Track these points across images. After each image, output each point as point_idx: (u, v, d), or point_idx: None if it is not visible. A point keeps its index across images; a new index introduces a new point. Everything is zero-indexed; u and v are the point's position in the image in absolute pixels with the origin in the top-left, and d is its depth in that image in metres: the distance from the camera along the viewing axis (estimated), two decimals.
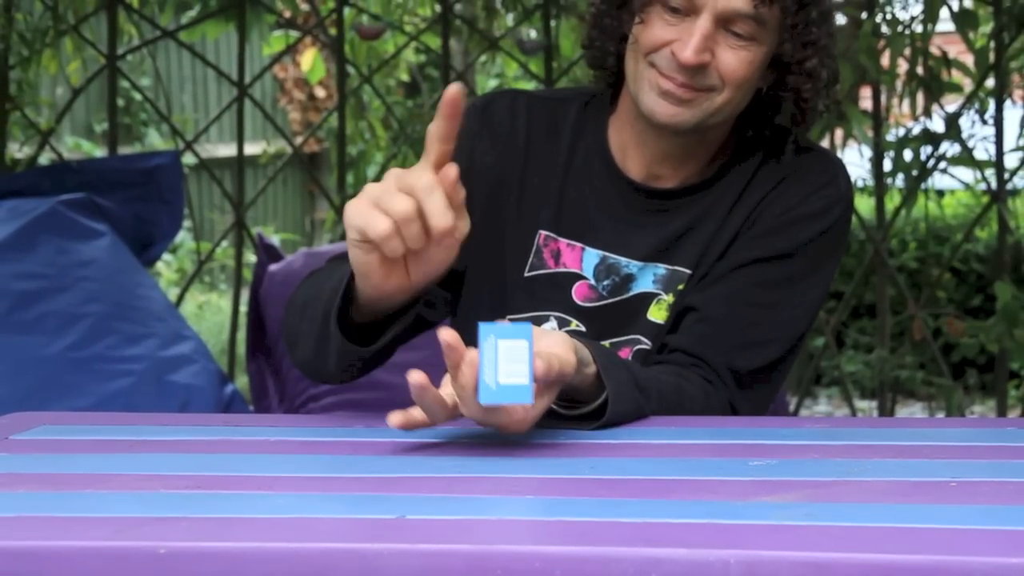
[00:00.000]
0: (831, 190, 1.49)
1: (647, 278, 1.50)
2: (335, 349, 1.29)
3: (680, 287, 1.49)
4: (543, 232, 1.51)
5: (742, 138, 1.53)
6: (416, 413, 1.15)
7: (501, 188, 1.52)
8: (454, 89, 1.18)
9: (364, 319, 1.30)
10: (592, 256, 1.50)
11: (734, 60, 1.40)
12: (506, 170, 1.52)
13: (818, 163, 1.51)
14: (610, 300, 1.50)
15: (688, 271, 1.49)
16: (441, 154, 1.18)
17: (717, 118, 1.44)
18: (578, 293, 1.50)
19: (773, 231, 1.48)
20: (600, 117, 1.55)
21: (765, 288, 1.47)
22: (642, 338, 1.49)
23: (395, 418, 1.15)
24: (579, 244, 1.51)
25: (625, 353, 1.49)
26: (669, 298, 1.49)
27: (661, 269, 1.50)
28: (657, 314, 1.49)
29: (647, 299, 1.50)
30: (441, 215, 1.15)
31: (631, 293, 1.50)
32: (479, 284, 1.51)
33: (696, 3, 1.39)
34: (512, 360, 1.09)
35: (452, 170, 1.17)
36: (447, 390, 1.16)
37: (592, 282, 1.50)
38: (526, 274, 1.51)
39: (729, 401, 1.44)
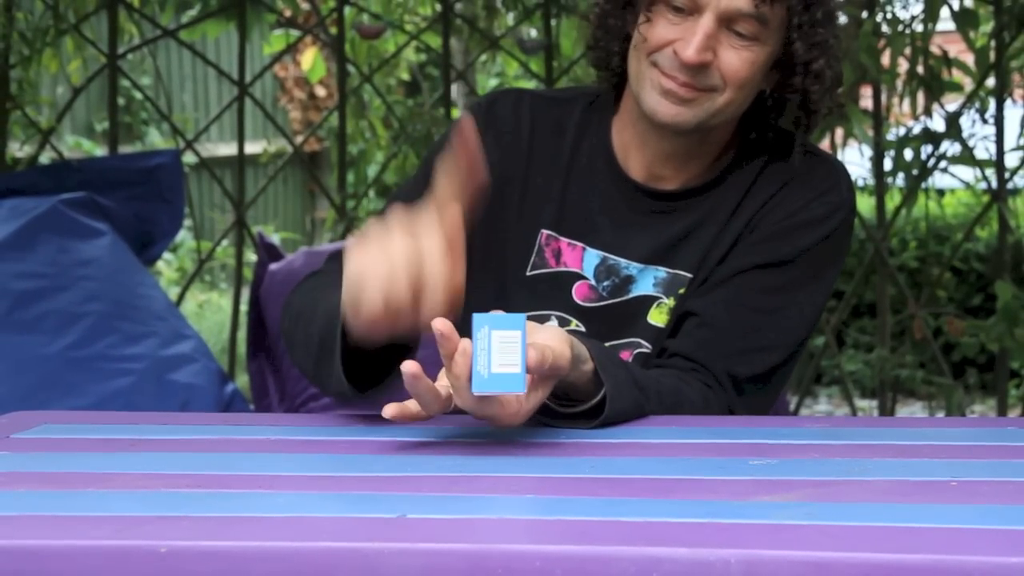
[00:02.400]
0: (833, 196, 1.49)
1: (647, 280, 1.49)
2: (336, 388, 1.29)
3: (681, 291, 1.49)
4: (545, 231, 1.51)
5: (745, 140, 1.52)
6: (411, 405, 1.16)
7: (504, 186, 1.51)
8: (465, 123, 1.22)
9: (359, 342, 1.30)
10: (593, 256, 1.50)
11: (736, 60, 1.40)
12: (509, 169, 1.52)
13: (821, 168, 1.51)
14: (610, 301, 1.50)
15: (689, 275, 1.48)
16: (450, 191, 1.20)
17: (719, 119, 1.44)
18: (578, 293, 1.50)
19: (774, 237, 1.47)
20: (604, 117, 1.54)
21: (766, 294, 1.46)
22: (642, 341, 1.49)
23: (390, 410, 1.16)
24: (580, 244, 1.51)
25: (625, 356, 1.48)
26: (670, 302, 1.49)
27: (662, 272, 1.49)
28: (658, 317, 1.49)
29: (647, 302, 1.49)
30: (433, 310, 1.16)
31: (631, 295, 1.50)
32: (480, 282, 1.51)
33: (699, 2, 1.39)
34: (505, 350, 1.10)
35: (458, 227, 1.19)
36: (442, 383, 1.16)
37: (592, 282, 1.50)
38: (528, 273, 1.51)
39: (728, 406, 1.44)
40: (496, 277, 1.51)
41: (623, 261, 1.50)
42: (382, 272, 1.16)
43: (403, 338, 1.24)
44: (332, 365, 1.26)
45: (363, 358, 1.29)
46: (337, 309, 1.24)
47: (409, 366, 1.12)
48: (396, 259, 1.17)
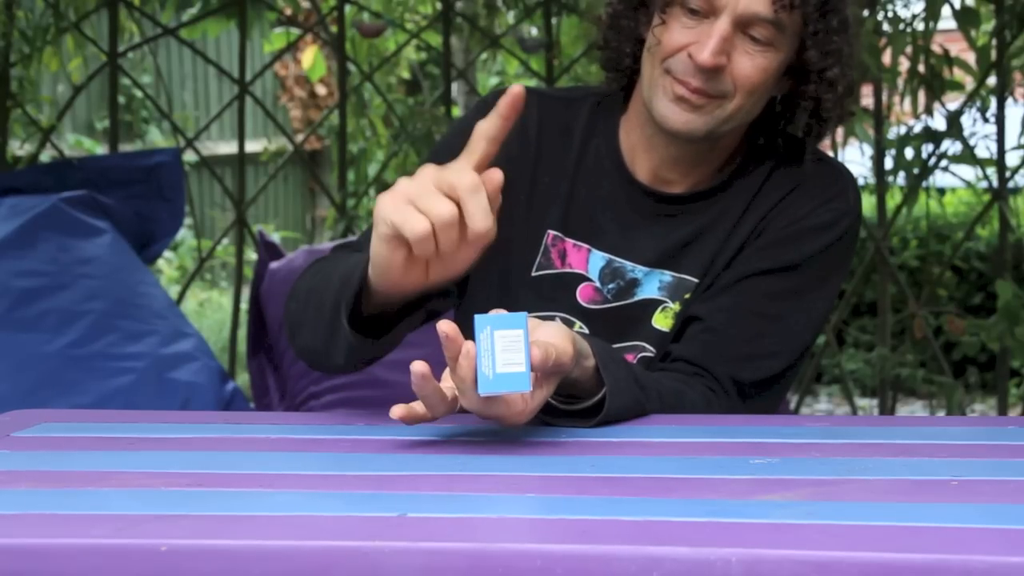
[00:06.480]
0: (840, 203, 1.48)
1: (652, 284, 1.49)
2: (344, 343, 1.28)
3: (687, 296, 1.48)
4: (551, 232, 1.51)
5: (753, 145, 1.52)
6: (417, 406, 1.16)
7: (510, 185, 1.50)
8: (518, 89, 1.17)
9: (375, 310, 1.30)
10: (598, 258, 1.50)
11: (749, 65, 1.39)
12: (516, 167, 1.51)
13: (828, 174, 1.50)
14: (614, 304, 1.49)
15: (695, 280, 1.48)
16: (485, 155, 1.18)
17: (729, 125, 1.43)
18: (583, 295, 1.50)
19: (780, 242, 1.47)
20: (612, 118, 1.54)
21: (771, 300, 1.46)
22: (646, 345, 1.49)
23: (397, 411, 1.16)
24: (586, 246, 1.50)
25: (629, 359, 1.48)
26: (675, 306, 1.48)
27: (667, 276, 1.49)
28: (662, 322, 1.49)
29: (652, 306, 1.49)
30: (482, 218, 1.14)
31: (635, 298, 1.49)
32: (485, 280, 1.51)
33: (716, 5, 1.37)
34: (509, 349, 1.10)
35: (497, 175, 1.16)
36: (447, 384, 1.16)
37: (597, 284, 1.50)
38: (533, 273, 1.51)
39: (731, 411, 1.43)
40: (501, 276, 1.51)
41: (629, 264, 1.49)
42: (420, 193, 1.14)
43: (429, 288, 1.23)
44: (343, 317, 1.25)
45: (374, 326, 1.29)
46: (354, 269, 1.24)
47: (418, 366, 1.12)
48: (428, 183, 1.14)
